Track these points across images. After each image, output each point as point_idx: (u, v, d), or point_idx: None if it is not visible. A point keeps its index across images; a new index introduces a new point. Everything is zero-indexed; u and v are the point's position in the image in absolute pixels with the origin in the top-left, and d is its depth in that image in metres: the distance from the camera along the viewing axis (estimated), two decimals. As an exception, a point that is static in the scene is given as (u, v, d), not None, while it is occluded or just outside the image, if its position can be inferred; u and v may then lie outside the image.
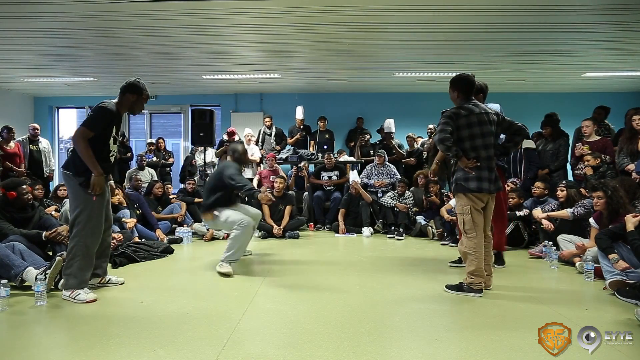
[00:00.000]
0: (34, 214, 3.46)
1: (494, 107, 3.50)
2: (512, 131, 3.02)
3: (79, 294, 2.70)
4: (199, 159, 6.94)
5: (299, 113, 7.43)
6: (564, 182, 4.60)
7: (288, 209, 5.60)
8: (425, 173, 6.00)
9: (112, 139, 2.84)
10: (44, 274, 2.68)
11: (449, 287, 3.01)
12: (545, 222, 4.28)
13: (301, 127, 7.47)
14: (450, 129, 2.83)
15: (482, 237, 2.92)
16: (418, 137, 7.44)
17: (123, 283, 3.16)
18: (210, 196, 3.78)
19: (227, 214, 3.68)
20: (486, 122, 2.90)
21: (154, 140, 7.62)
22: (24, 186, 3.40)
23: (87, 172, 2.72)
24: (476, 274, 2.88)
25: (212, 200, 3.75)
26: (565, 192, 4.32)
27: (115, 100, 2.87)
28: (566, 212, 4.10)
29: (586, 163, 4.72)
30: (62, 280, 2.77)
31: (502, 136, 3.25)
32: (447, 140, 2.81)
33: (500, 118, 3.00)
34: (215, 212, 3.73)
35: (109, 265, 3.35)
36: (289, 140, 7.38)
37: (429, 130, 7.22)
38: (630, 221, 2.96)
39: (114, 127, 2.84)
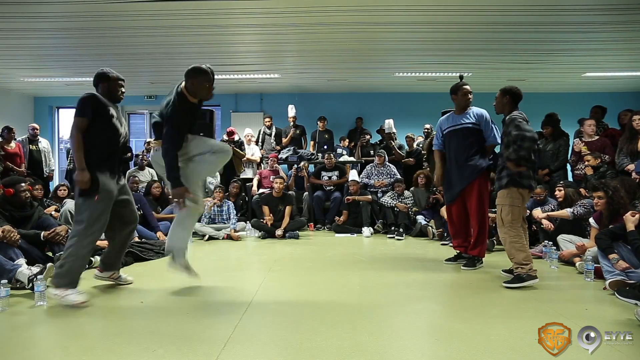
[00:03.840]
0: (32, 212, 3.45)
1: (478, 111, 3.55)
2: None
3: (70, 294, 2.59)
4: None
5: (291, 111, 7.47)
6: (561, 182, 4.61)
7: (288, 209, 5.60)
8: (425, 173, 6.00)
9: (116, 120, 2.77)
10: (35, 278, 2.68)
11: (508, 282, 3.07)
12: (545, 222, 4.29)
13: (293, 124, 7.49)
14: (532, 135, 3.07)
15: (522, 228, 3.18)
16: (419, 136, 7.46)
17: (131, 283, 3.15)
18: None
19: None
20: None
21: (151, 140, 7.61)
22: (23, 184, 3.40)
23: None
24: (527, 260, 3.07)
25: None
26: (562, 191, 4.33)
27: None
28: (566, 212, 4.10)
29: (586, 163, 4.72)
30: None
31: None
32: (536, 141, 3.09)
33: None
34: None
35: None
36: (284, 141, 7.38)
37: (426, 130, 7.23)
38: (630, 220, 2.96)
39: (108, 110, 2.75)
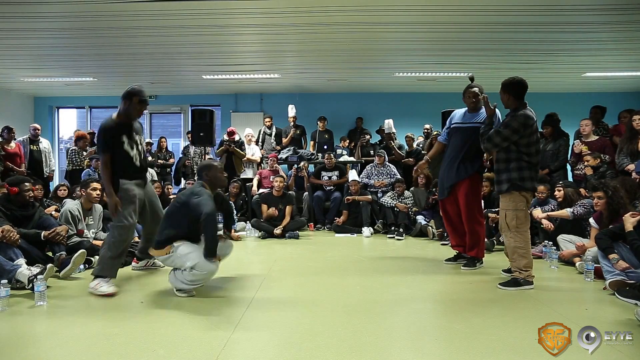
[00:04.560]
0: (34, 212, 3.46)
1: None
2: None
3: (102, 285, 2.84)
4: (197, 158, 7.01)
5: (291, 111, 7.48)
6: (561, 182, 4.61)
7: (288, 209, 5.60)
8: (425, 173, 5.99)
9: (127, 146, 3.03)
10: (35, 278, 2.70)
11: (504, 284, 3.08)
12: (545, 222, 4.28)
13: (293, 124, 7.50)
14: (514, 139, 3.00)
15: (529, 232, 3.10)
16: (419, 136, 7.46)
17: (163, 266, 3.46)
18: (170, 227, 2.92)
19: (187, 251, 2.82)
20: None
21: (150, 140, 7.62)
22: (27, 184, 3.41)
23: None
24: (528, 267, 3.04)
25: (171, 234, 2.89)
26: (562, 191, 4.33)
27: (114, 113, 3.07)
28: (566, 212, 4.10)
29: (586, 163, 4.72)
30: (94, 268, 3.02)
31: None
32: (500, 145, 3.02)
33: None
34: (175, 245, 2.86)
35: None
36: (284, 141, 7.39)
37: (426, 130, 7.23)
38: (629, 221, 2.95)
39: (124, 136, 3.02)
